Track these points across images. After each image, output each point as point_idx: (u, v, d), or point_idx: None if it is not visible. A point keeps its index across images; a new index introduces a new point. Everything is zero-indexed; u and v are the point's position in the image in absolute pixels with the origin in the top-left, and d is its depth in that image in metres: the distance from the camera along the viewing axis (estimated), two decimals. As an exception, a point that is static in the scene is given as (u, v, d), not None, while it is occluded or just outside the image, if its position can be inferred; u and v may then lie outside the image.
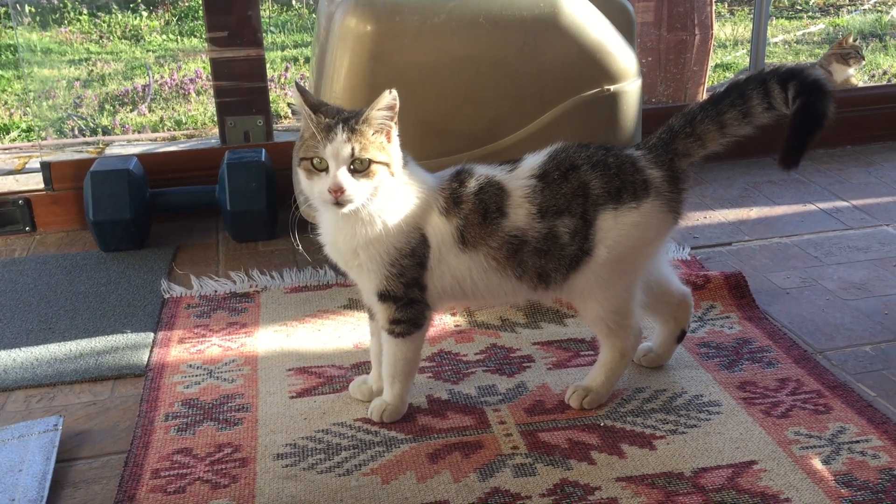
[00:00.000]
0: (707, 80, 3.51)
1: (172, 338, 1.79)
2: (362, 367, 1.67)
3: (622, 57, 1.92)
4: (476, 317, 1.85)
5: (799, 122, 1.37)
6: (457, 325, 1.82)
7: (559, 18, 1.85)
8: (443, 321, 1.83)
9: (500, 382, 1.61)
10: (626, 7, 2.00)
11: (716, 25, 3.53)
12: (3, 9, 6.71)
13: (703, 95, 3.53)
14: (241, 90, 2.46)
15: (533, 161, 1.46)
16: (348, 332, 1.81)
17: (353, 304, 1.91)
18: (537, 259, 1.43)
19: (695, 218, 2.33)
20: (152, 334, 1.80)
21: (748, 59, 5.24)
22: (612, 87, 1.91)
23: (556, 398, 1.56)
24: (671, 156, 1.46)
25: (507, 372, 1.64)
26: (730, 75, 4.69)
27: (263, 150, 2.28)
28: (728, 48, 5.66)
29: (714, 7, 3.53)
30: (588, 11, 1.89)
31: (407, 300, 1.43)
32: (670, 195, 1.44)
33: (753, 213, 2.35)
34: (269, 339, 1.78)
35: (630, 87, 1.94)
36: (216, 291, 1.99)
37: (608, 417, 1.49)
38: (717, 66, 4.97)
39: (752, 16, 6.38)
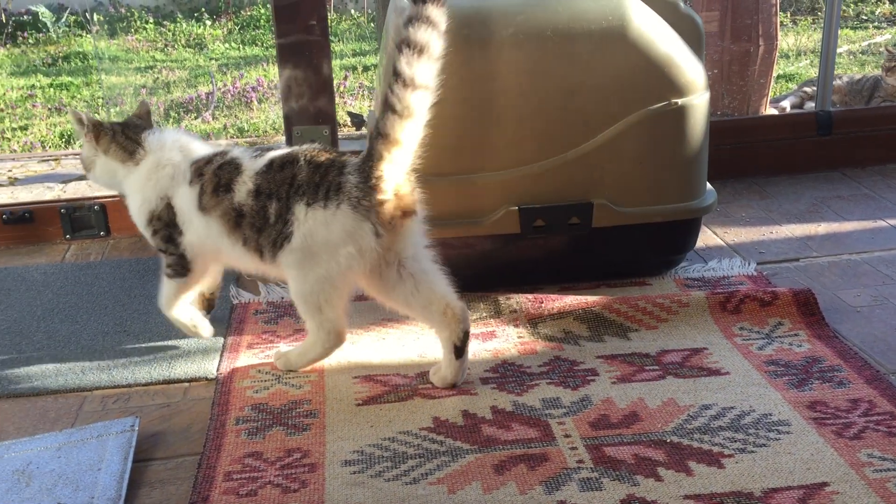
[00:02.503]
0: (770, 91, 3.47)
1: (242, 343, 1.84)
2: (427, 375, 1.68)
3: (690, 70, 1.91)
4: (539, 329, 1.85)
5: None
6: (520, 337, 1.83)
7: (627, 31, 1.85)
8: (506, 332, 1.84)
9: (564, 395, 1.61)
10: (695, 19, 1.99)
11: (779, 36, 3.48)
12: (74, 17, 6.95)
13: (767, 107, 3.48)
14: (307, 98, 2.51)
15: (275, 153, 1.64)
16: (412, 342, 1.83)
17: (417, 314, 1.93)
18: (252, 232, 1.61)
19: (760, 233, 2.30)
20: (222, 339, 1.84)
21: (812, 70, 5.15)
22: (679, 101, 1.90)
23: (620, 413, 1.55)
24: (371, 162, 1.54)
25: (570, 385, 1.65)
26: (793, 86, 4.61)
27: (329, 160, 2.32)
28: (791, 58, 5.57)
29: (778, 17, 3.48)
30: (656, 24, 1.89)
31: (169, 253, 1.72)
32: (362, 202, 1.53)
33: (822, 228, 2.31)
34: (335, 347, 1.81)
35: (698, 101, 1.93)
36: (283, 298, 2.03)
37: (675, 434, 1.49)
38: (778, 76, 4.89)
39: (815, 26, 6.26)
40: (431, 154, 1.88)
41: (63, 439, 1.49)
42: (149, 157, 1.71)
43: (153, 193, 1.70)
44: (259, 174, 1.61)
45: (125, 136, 1.74)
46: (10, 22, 6.88)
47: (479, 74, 1.84)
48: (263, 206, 1.59)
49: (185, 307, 1.80)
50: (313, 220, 1.55)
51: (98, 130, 1.74)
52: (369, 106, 4.88)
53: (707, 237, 2.27)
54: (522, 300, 1.93)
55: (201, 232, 1.67)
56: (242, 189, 1.61)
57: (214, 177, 1.64)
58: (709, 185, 2.06)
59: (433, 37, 1.50)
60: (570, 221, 1.94)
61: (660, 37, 1.88)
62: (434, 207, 1.91)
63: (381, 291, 1.64)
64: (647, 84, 1.88)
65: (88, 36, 6.80)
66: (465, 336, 1.62)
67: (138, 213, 1.73)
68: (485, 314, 1.92)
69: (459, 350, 1.62)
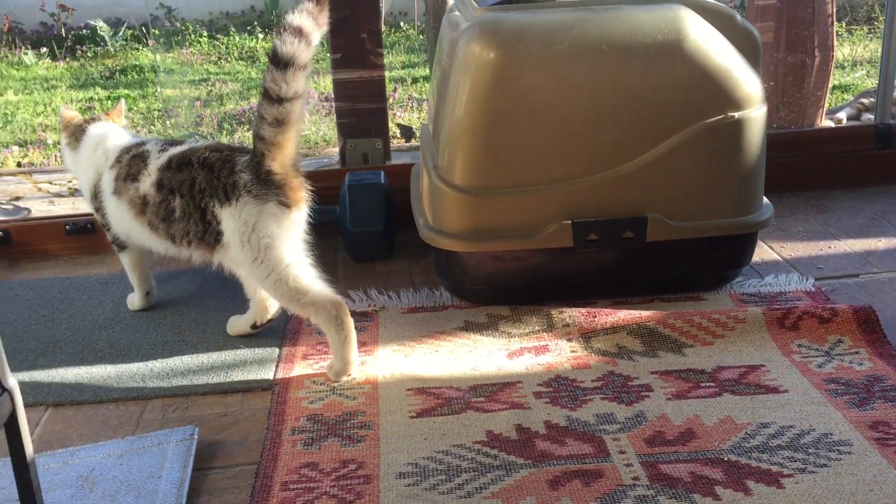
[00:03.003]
0: (825, 102, 3.40)
1: (296, 353, 1.86)
2: (480, 389, 1.69)
3: (747, 83, 1.89)
4: (592, 343, 1.84)
5: None
6: (573, 351, 1.82)
7: (684, 44, 1.84)
8: (559, 346, 1.84)
9: (618, 411, 1.60)
10: (752, 32, 1.97)
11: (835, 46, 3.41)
12: (131, 31, 7.13)
13: (823, 119, 3.42)
14: (361, 112, 2.54)
15: (175, 149, 1.82)
16: (464, 355, 1.83)
17: (469, 327, 1.94)
18: (159, 221, 1.80)
19: (818, 247, 2.26)
20: (277, 349, 1.87)
21: (868, 81, 5.04)
22: (736, 114, 1.88)
23: (676, 429, 1.54)
24: (257, 159, 1.70)
25: (625, 400, 1.63)
26: (849, 97, 4.52)
27: (382, 172, 2.35)
28: (846, 69, 5.46)
29: (834, 27, 3.42)
30: (713, 37, 1.87)
31: (107, 229, 1.99)
32: (263, 192, 1.69)
33: (882, 243, 2.26)
34: (388, 359, 1.82)
35: (755, 114, 1.91)
36: (336, 309, 2.05)
37: (732, 452, 1.47)
38: (833, 87, 4.80)
39: (871, 35, 6.13)
40: (484, 168, 1.90)
41: (125, 447, 1.53)
42: (88, 142, 1.98)
43: (92, 172, 1.96)
44: (160, 169, 1.80)
45: (77, 127, 2.02)
46: (70, 36, 7.08)
47: (532, 88, 1.85)
48: (166, 199, 1.78)
49: (145, 279, 2.06)
50: (229, 217, 1.71)
51: (64, 123, 2.04)
52: (419, 118, 4.91)
53: (763, 252, 2.24)
54: (575, 314, 1.92)
55: (115, 213, 1.91)
56: (147, 181, 1.82)
57: (127, 166, 1.86)
58: (765, 200, 2.04)
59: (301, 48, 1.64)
60: (624, 235, 1.93)
61: (716, 50, 1.86)
62: (486, 221, 1.93)
63: (235, 264, 1.79)
64: (703, 97, 1.87)
65: (145, 49, 6.96)
66: (266, 322, 1.91)
67: (85, 191, 2.02)
68: (537, 328, 1.91)
69: (255, 327, 1.92)
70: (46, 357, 1.87)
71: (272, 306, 1.90)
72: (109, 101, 5.65)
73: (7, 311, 2.08)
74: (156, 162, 1.81)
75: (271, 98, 1.64)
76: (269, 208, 1.70)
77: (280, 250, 1.72)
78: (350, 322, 1.74)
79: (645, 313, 1.90)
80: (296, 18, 1.63)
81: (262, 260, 1.71)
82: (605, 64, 1.84)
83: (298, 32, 1.63)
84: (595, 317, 1.90)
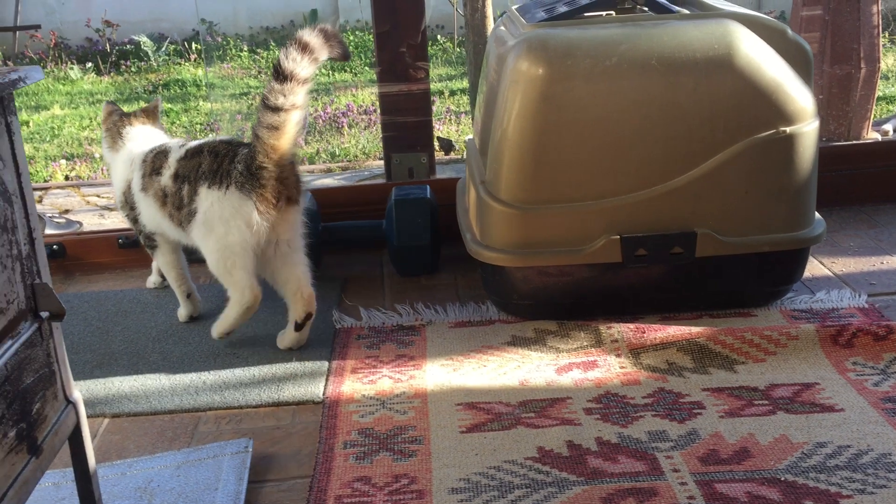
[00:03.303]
0: (871, 114, 3.36)
1: (346, 367, 1.88)
2: (530, 404, 1.69)
3: (799, 97, 1.88)
4: (642, 359, 1.83)
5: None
6: (622, 367, 1.81)
7: (734, 59, 1.83)
8: (608, 362, 1.83)
9: (670, 428, 1.59)
10: (803, 46, 1.95)
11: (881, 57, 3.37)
12: (173, 46, 7.26)
13: (869, 132, 3.37)
14: (406, 125, 2.56)
15: (191, 144, 1.95)
16: (513, 370, 1.83)
17: (517, 341, 1.94)
18: (175, 210, 1.92)
19: (870, 263, 2.22)
20: (327, 363, 1.89)
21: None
22: (788, 129, 1.87)
23: (731, 448, 1.52)
24: (253, 154, 1.80)
25: (677, 418, 1.62)
26: (894, 108, 4.46)
27: (428, 187, 2.36)
28: (890, 80, 5.38)
29: (880, 39, 3.38)
30: (764, 51, 1.86)
31: (138, 231, 2.09)
32: (244, 186, 1.81)
33: (936, 258, 2.23)
34: (437, 373, 1.83)
35: (807, 129, 1.89)
36: (384, 323, 2.07)
37: (789, 472, 1.45)
38: (878, 98, 4.73)
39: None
40: (532, 183, 1.91)
41: (181, 458, 1.56)
42: (123, 155, 2.08)
43: (122, 182, 2.07)
44: (178, 160, 1.92)
45: (115, 123, 2.11)
46: (115, 51, 7.23)
47: (581, 104, 1.85)
48: (179, 188, 1.90)
49: (182, 280, 2.13)
50: (210, 199, 1.84)
51: (104, 115, 2.14)
52: (457, 131, 4.93)
53: (814, 267, 2.21)
54: (624, 329, 1.91)
55: (144, 210, 2.00)
56: (167, 173, 1.93)
57: (151, 162, 1.97)
58: (817, 215, 2.01)
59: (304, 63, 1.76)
60: (673, 251, 1.92)
61: (768, 64, 1.85)
62: (533, 235, 1.93)
63: (261, 263, 1.91)
64: (754, 112, 1.86)
65: (187, 64, 7.08)
66: (307, 317, 1.94)
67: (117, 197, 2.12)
68: (585, 343, 1.91)
69: (299, 326, 1.94)
70: (102, 369, 1.91)
71: (301, 299, 1.92)
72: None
73: (63, 324, 2.11)
74: (175, 155, 1.94)
75: (269, 106, 1.76)
76: (246, 207, 1.82)
77: (244, 243, 1.84)
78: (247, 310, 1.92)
79: (695, 329, 1.88)
80: (305, 35, 1.75)
81: (212, 242, 1.87)
82: (654, 79, 1.84)
83: (304, 49, 1.74)
84: (644, 332, 1.89)
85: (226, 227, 1.83)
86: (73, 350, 1.99)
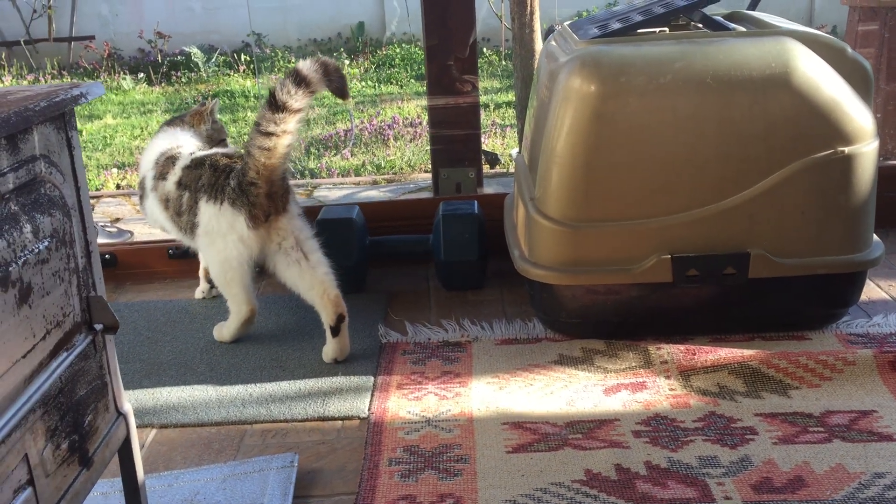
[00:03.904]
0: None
1: (391, 383, 1.87)
2: (577, 425, 1.66)
3: (858, 117, 1.83)
4: (692, 381, 1.80)
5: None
6: (672, 389, 1.78)
7: (792, 77, 1.80)
8: (657, 384, 1.80)
9: (721, 454, 1.56)
10: (863, 64, 1.90)
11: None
12: (223, 57, 7.37)
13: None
14: (454, 139, 2.56)
15: (196, 154, 2.04)
16: (560, 389, 1.81)
17: (564, 360, 1.92)
18: (176, 214, 2.03)
19: (930, 286, 2.16)
20: (372, 378, 1.89)
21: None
22: (846, 149, 1.82)
23: (785, 476, 1.48)
24: (244, 170, 1.88)
25: (728, 443, 1.59)
26: (953, 126, 4.33)
27: (476, 202, 2.35)
28: (950, 95, 5.23)
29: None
30: (822, 70, 1.82)
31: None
32: (236, 202, 1.89)
33: None
34: (483, 391, 1.82)
35: (866, 149, 1.84)
36: (429, 339, 2.06)
37: (845, 503, 1.40)
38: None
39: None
40: (582, 201, 1.89)
41: (227, 471, 1.56)
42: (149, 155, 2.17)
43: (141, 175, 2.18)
44: (183, 169, 2.01)
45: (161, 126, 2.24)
46: (166, 62, 7.37)
47: (634, 122, 1.83)
48: (180, 195, 2.00)
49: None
50: (208, 213, 1.94)
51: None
52: (502, 144, 4.92)
53: (871, 290, 2.15)
54: (673, 351, 1.88)
55: (150, 208, 2.12)
56: (172, 179, 2.02)
57: (161, 167, 2.07)
58: (875, 237, 1.96)
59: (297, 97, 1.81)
60: (725, 271, 1.89)
61: (826, 83, 1.81)
62: (583, 254, 1.91)
63: (279, 273, 1.98)
64: (811, 132, 1.82)
65: (236, 75, 7.19)
66: (339, 318, 1.93)
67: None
68: (634, 364, 1.88)
69: (334, 330, 1.94)
70: (151, 378, 1.93)
71: (329, 301, 1.94)
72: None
73: (113, 332, 2.16)
74: (182, 163, 2.03)
75: (261, 132, 1.82)
76: (238, 223, 1.90)
77: (239, 258, 1.94)
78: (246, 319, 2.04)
79: (747, 352, 1.84)
80: (304, 68, 1.78)
81: (212, 256, 1.98)
82: (709, 97, 1.81)
83: (301, 82, 1.78)
84: (694, 354, 1.86)
85: (223, 241, 1.93)
86: (123, 359, 2.02)
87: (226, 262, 1.95)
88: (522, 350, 1.99)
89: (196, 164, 2.00)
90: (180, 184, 2.01)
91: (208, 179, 1.94)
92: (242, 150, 1.94)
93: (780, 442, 1.58)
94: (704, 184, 1.85)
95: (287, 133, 1.82)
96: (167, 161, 2.06)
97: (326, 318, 1.94)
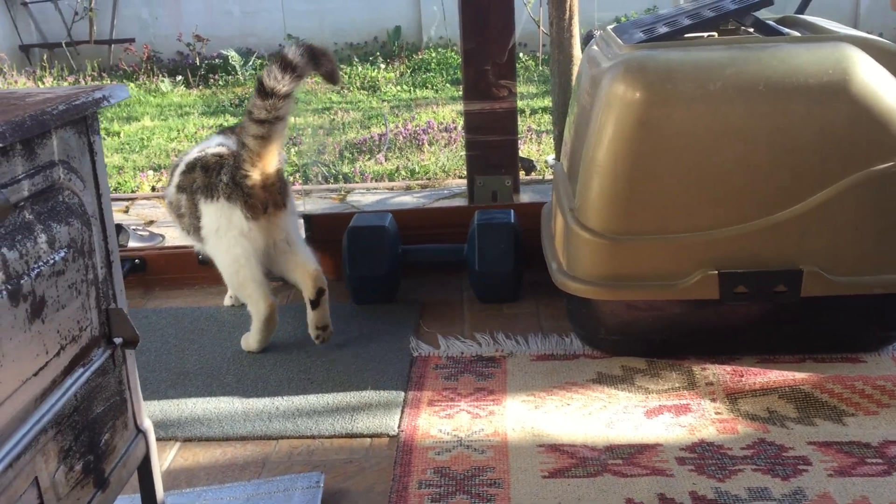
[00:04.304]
0: None
1: (422, 399, 1.80)
2: (617, 450, 1.58)
3: (921, 128, 1.72)
4: (739, 405, 1.70)
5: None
6: (717, 413, 1.69)
7: (850, 86, 1.70)
8: (702, 407, 1.71)
9: (773, 485, 1.46)
10: (926, 72, 1.79)
11: None
12: (260, 61, 7.39)
13: None
14: (490, 145, 2.49)
15: (190, 156, 2.05)
16: (598, 410, 1.73)
17: (603, 379, 1.84)
18: (177, 216, 2.08)
19: None
20: (402, 393, 1.82)
21: None
22: (908, 162, 1.72)
23: (841, 512, 1.38)
24: (237, 164, 1.91)
25: (780, 474, 1.49)
26: None
27: (512, 211, 2.28)
28: None
29: None
30: (883, 78, 1.72)
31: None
32: (231, 196, 1.90)
33: None
34: (517, 410, 1.74)
35: (930, 162, 1.73)
36: (462, 353, 1.99)
37: (909, 544, 1.30)
38: None
39: None
40: (624, 212, 1.81)
41: (251, 490, 1.50)
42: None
43: None
44: (180, 175, 2.04)
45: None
46: (203, 65, 7.39)
47: (681, 130, 1.74)
48: (179, 198, 2.03)
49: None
50: (208, 213, 1.95)
51: None
52: (538, 150, 4.84)
53: (930, 311, 2.03)
54: (719, 372, 1.79)
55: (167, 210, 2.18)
56: (173, 182, 2.06)
57: (170, 172, 2.13)
58: (936, 255, 1.85)
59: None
60: (776, 289, 1.79)
61: (886, 91, 1.71)
62: (624, 268, 1.83)
63: (270, 263, 2.02)
64: (870, 143, 1.71)
65: (272, 78, 7.18)
66: (319, 292, 1.99)
67: None
68: (677, 384, 1.79)
69: (314, 303, 2.00)
70: (176, 388, 1.88)
71: (308, 276, 1.99)
72: (238, 129, 5.82)
73: (141, 340, 2.11)
74: (180, 168, 2.06)
75: (253, 119, 1.84)
76: (236, 216, 1.91)
77: (246, 253, 1.95)
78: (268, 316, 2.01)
79: (799, 375, 1.74)
80: (290, 53, 1.80)
81: (220, 256, 1.98)
82: (762, 105, 1.72)
83: (287, 67, 1.80)
84: (742, 376, 1.76)
85: (227, 239, 1.94)
86: (149, 368, 1.98)
87: (234, 261, 1.95)
88: (559, 367, 1.91)
89: (190, 167, 2.01)
90: (180, 188, 2.03)
91: (202, 181, 1.96)
92: (228, 148, 2.01)
93: (836, 474, 1.48)
94: (755, 196, 1.75)
95: (279, 119, 1.84)
96: (174, 164, 2.13)
97: (306, 292, 1.99)
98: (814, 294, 1.78)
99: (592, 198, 1.83)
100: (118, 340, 1.14)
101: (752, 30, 1.94)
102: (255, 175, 1.88)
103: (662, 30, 1.88)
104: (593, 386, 1.82)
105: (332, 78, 1.87)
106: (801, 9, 2.11)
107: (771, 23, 1.93)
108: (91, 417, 1.07)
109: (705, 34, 1.93)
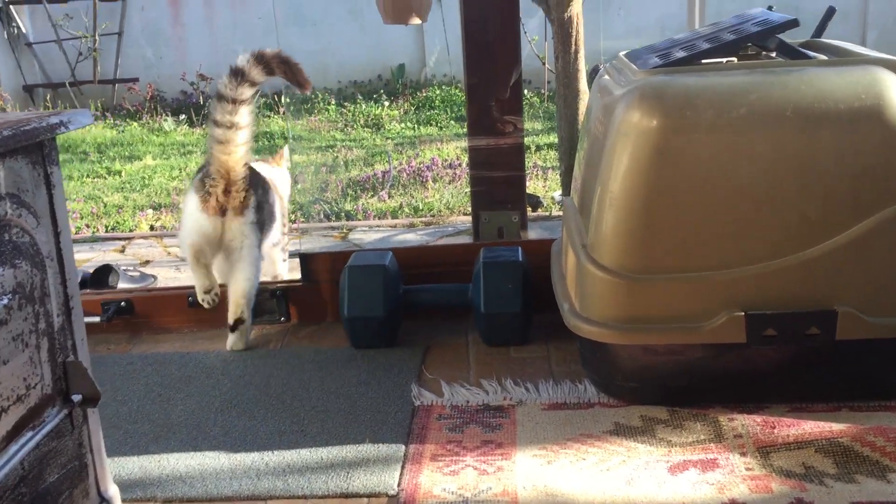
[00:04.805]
0: None
1: (424, 453, 1.66)
2: (639, 512, 1.43)
3: (962, 156, 1.60)
4: (772, 460, 1.55)
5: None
6: (748, 469, 1.53)
7: (885, 111, 1.57)
8: (731, 462, 1.56)
9: (815, 553, 1.31)
10: (964, 97, 1.67)
11: None
12: (263, 99, 7.34)
13: None
14: (496, 181, 2.37)
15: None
16: (617, 465, 1.58)
17: (621, 430, 1.69)
18: None
19: None
20: (403, 447, 1.67)
21: None
22: (949, 193, 1.59)
23: (895, 585, 1.23)
24: (207, 168, 2.11)
25: (822, 539, 1.34)
26: None
27: (520, 249, 2.15)
28: None
29: None
30: (918, 103, 1.60)
31: None
32: (199, 191, 2.10)
33: None
34: (528, 466, 1.59)
35: (972, 193, 1.60)
36: (468, 402, 1.84)
37: None
38: None
39: None
40: (642, 248, 1.68)
41: (234, 559, 1.35)
42: None
43: None
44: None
45: None
46: (207, 104, 7.34)
47: (702, 159, 1.62)
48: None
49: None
50: (184, 209, 2.17)
51: None
52: (544, 186, 4.73)
53: (973, 353, 1.89)
54: (749, 422, 1.64)
55: None
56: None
57: None
58: (981, 293, 1.71)
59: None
60: (808, 332, 1.65)
61: (924, 117, 1.58)
62: (642, 308, 1.69)
63: (222, 267, 2.19)
64: (907, 172, 1.59)
65: (276, 117, 7.14)
66: (238, 322, 2.15)
67: None
68: (702, 437, 1.64)
69: (232, 328, 2.16)
70: (159, 442, 1.74)
71: (234, 305, 2.16)
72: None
73: (124, 388, 1.98)
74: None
75: (215, 122, 2.04)
76: (193, 205, 2.12)
77: (191, 238, 2.13)
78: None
79: (836, 426, 1.60)
80: (239, 61, 2.01)
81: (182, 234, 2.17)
82: (789, 133, 1.59)
83: (237, 74, 2.01)
84: (774, 427, 1.62)
85: (187, 219, 2.14)
86: (131, 419, 1.84)
87: (188, 237, 2.14)
88: (573, 417, 1.76)
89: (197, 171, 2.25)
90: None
91: (194, 180, 2.19)
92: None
93: (885, 539, 1.33)
94: (784, 231, 1.62)
95: (239, 127, 2.03)
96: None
97: (230, 317, 2.16)
98: (849, 337, 1.64)
99: (607, 233, 1.70)
100: (77, 398, 1.00)
101: (774, 54, 1.83)
102: (219, 179, 2.08)
103: (679, 54, 1.77)
104: (610, 438, 1.67)
105: (297, 82, 2.05)
106: (819, 32, 2.00)
107: (797, 46, 1.82)
108: (42, 488, 0.93)
109: (723, 60, 1.82)
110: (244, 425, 1.79)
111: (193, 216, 2.12)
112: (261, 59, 2.01)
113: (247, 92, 2.01)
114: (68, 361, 1.00)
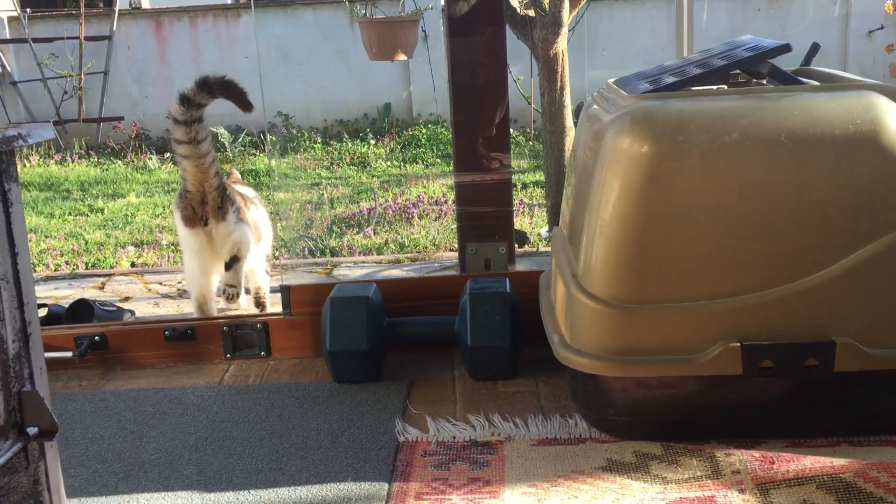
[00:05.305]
0: None
1: (409, 492, 1.58)
2: (635, 553, 1.36)
3: (959, 182, 1.56)
4: (772, 497, 1.49)
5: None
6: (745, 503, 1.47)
7: (881, 136, 1.54)
8: (728, 499, 1.49)
9: None
10: (958, 123, 1.64)
11: None
12: (249, 138, 7.31)
13: None
14: (483, 216, 2.32)
15: None
16: (610, 503, 1.51)
17: (614, 467, 1.62)
18: None
19: None
20: (386, 485, 1.60)
21: None
22: (948, 219, 1.55)
23: None
24: (184, 184, 2.35)
25: (828, 581, 1.27)
26: None
27: (507, 280, 2.09)
28: None
29: None
30: (913, 128, 1.57)
31: None
32: (178, 204, 2.36)
33: None
34: (518, 504, 1.52)
35: (971, 220, 1.56)
36: (454, 438, 1.77)
37: None
38: None
39: None
40: (634, 278, 1.63)
41: None
42: None
43: None
44: None
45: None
46: (191, 142, 7.30)
47: (694, 186, 1.58)
48: None
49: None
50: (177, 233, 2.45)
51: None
52: (531, 223, 4.70)
53: (973, 386, 1.84)
54: (747, 458, 1.58)
55: None
56: None
57: None
58: (981, 323, 1.66)
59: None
60: (806, 363, 1.59)
61: (919, 142, 1.55)
62: (635, 340, 1.64)
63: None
64: (904, 199, 1.55)
65: (261, 155, 7.11)
66: (234, 259, 2.41)
67: None
68: (699, 473, 1.57)
69: (227, 266, 2.43)
70: (129, 482, 1.65)
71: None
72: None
73: (95, 426, 1.89)
74: None
75: (175, 139, 2.27)
76: (178, 223, 2.37)
77: (185, 250, 2.42)
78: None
79: (837, 462, 1.53)
80: (186, 89, 2.22)
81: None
82: (783, 159, 1.56)
83: (184, 101, 2.23)
84: (773, 463, 1.55)
85: (182, 246, 2.40)
86: (101, 458, 1.75)
87: (187, 262, 2.43)
88: (563, 453, 1.69)
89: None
90: None
91: (174, 202, 2.42)
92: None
93: (894, 580, 1.26)
94: (779, 259, 1.58)
95: (197, 141, 2.25)
96: None
97: (225, 256, 2.41)
98: (849, 369, 1.59)
99: (598, 262, 1.65)
100: (33, 430, 0.93)
101: (765, 80, 1.80)
102: (193, 190, 2.30)
103: (669, 80, 1.74)
104: (603, 475, 1.60)
105: (241, 104, 2.24)
106: (808, 60, 1.98)
107: (790, 73, 1.79)
108: (-11, 527, 0.86)
109: (714, 87, 1.79)
110: (220, 463, 1.71)
111: (181, 235, 2.34)
112: (204, 86, 2.22)
113: (197, 112, 2.24)
114: (23, 392, 0.93)
